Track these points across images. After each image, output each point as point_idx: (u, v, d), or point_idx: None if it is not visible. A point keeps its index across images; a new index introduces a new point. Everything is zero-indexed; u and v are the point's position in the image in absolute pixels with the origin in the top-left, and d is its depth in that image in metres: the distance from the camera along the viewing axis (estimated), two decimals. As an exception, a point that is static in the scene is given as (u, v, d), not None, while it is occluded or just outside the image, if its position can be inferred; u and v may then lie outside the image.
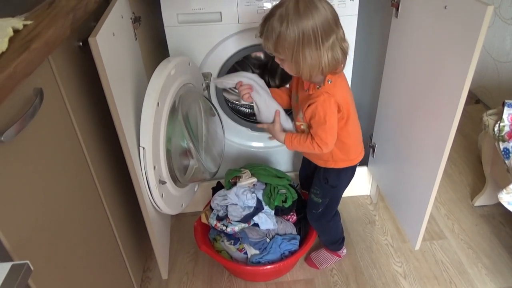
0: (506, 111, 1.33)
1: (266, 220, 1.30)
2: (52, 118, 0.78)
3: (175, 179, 1.17)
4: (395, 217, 1.60)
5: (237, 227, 1.29)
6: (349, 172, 1.23)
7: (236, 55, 1.36)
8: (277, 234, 1.33)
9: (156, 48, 1.40)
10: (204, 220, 1.38)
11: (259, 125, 1.22)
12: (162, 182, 1.08)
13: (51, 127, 0.77)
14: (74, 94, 0.88)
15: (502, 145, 1.32)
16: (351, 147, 1.17)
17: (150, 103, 0.99)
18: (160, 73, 1.03)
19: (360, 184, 1.69)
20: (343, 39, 0.99)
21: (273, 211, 1.33)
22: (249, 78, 1.13)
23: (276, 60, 1.04)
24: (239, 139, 1.58)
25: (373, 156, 1.54)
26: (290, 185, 1.39)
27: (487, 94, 2.23)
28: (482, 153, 1.59)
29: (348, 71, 1.41)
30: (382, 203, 1.69)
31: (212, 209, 1.37)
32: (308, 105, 1.04)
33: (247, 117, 1.58)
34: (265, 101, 1.14)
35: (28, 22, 0.73)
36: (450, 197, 1.70)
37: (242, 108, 1.62)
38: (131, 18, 1.10)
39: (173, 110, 1.11)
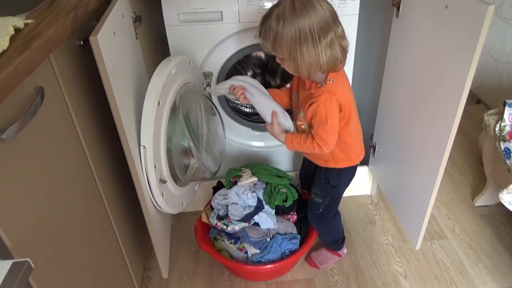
0: (507, 111, 1.33)
1: (267, 220, 1.30)
2: (53, 117, 0.78)
3: (175, 178, 1.17)
4: (396, 217, 1.60)
5: (237, 226, 1.29)
6: (349, 172, 1.23)
7: (236, 54, 1.36)
8: (278, 233, 1.33)
9: (157, 47, 1.40)
10: (204, 219, 1.38)
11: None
12: (163, 181, 1.08)
13: (52, 125, 0.77)
14: (75, 93, 0.88)
15: (503, 145, 1.32)
16: (352, 147, 1.17)
17: (151, 102, 0.99)
18: (161, 72, 1.03)
19: (361, 184, 1.69)
20: (342, 37, 0.98)
21: (274, 211, 1.33)
22: (241, 80, 1.13)
23: (277, 59, 1.04)
24: (240, 138, 1.58)
25: (373, 156, 1.54)
26: (290, 184, 1.39)
27: (488, 94, 2.23)
28: (483, 153, 1.59)
29: (349, 71, 1.41)
30: (383, 202, 1.69)
31: (212, 208, 1.37)
32: (310, 104, 1.04)
33: (248, 117, 1.58)
34: (259, 100, 1.12)
35: (29, 21, 0.73)
36: (450, 197, 1.69)
37: (243, 107, 1.62)
38: (132, 17, 1.10)
39: (174, 109, 1.11)
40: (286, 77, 1.71)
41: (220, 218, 1.33)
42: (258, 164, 1.43)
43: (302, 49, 0.95)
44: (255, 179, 1.35)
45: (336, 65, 1.00)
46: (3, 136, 0.58)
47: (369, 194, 1.73)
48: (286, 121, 1.15)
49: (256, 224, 1.31)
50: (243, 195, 1.29)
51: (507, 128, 1.33)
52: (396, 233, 1.55)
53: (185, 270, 1.43)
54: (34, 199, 0.69)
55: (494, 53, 2.12)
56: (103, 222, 1.01)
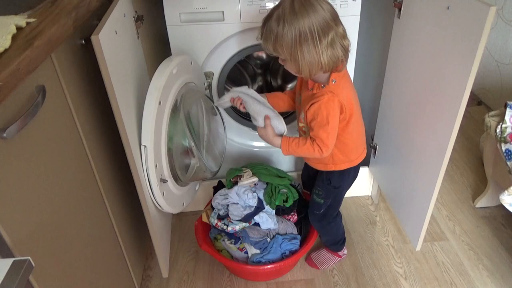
0: (508, 112, 1.33)
1: (267, 220, 1.30)
2: (54, 116, 0.78)
3: (176, 178, 1.17)
4: (396, 217, 1.60)
5: (238, 226, 1.29)
6: (352, 173, 1.23)
7: (238, 54, 1.36)
8: (278, 233, 1.33)
9: (158, 47, 1.40)
10: (205, 219, 1.38)
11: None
12: (164, 181, 1.08)
13: (53, 124, 0.77)
14: (76, 92, 0.88)
15: (504, 147, 1.32)
16: (352, 148, 1.17)
17: (152, 102, 0.99)
18: (162, 71, 1.04)
19: (361, 185, 1.69)
20: (343, 36, 0.99)
21: (274, 211, 1.33)
22: (238, 92, 1.17)
23: (280, 61, 1.05)
24: (241, 138, 1.58)
25: (374, 157, 1.54)
26: (291, 184, 1.40)
27: (489, 95, 2.23)
28: (483, 154, 1.59)
29: (350, 72, 1.41)
30: (383, 203, 1.69)
31: (213, 208, 1.37)
32: (311, 104, 1.04)
33: (249, 117, 1.57)
34: (254, 109, 1.15)
35: (31, 20, 0.73)
36: (451, 199, 1.69)
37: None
38: (133, 17, 1.10)
39: (175, 109, 1.11)
40: (287, 77, 1.71)
41: (220, 218, 1.33)
42: (258, 164, 1.43)
43: (302, 49, 0.95)
44: (255, 179, 1.35)
45: (337, 64, 1.00)
46: (5, 135, 0.58)
47: (369, 195, 1.73)
48: (280, 125, 1.14)
49: (257, 224, 1.31)
50: (244, 195, 1.30)
51: (508, 130, 1.33)
52: (396, 234, 1.55)
53: (185, 270, 1.43)
54: (35, 198, 0.69)
55: (495, 55, 2.11)
56: (103, 221, 1.01)
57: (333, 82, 1.03)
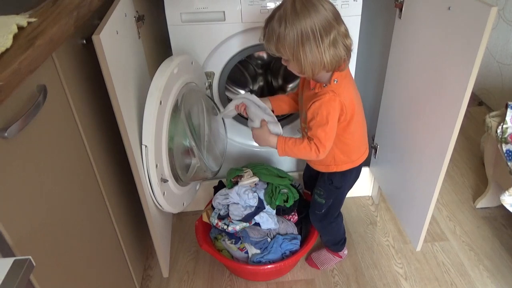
0: (509, 113, 1.33)
1: (268, 220, 1.30)
2: (55, 115, 0.78)
3: (177, 178, 1.17)
4: (397, 218, 1.60)
5: (238, 226, 1.29)
6: (353, 173, 1.23)
7: (239, 54, 1.36)
8: (278, 233, 1.33)
9: (159, 46, 1.40)
10: (205, 219, 1.38)
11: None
12: (164, 180, 1.08)
13: (54, 124, 0.77)
14: (77, 91, 0.88)
15: (505, 147, 1.32)
16: (354, 148, 1.17)
17: (152, 102, 0.99)
18: (163, 71, 1.04)
19: (362, 185, 1.69)
20: (345, 35, 0.99)
21: (275, 211, 1.33)
22: (241, 98, 1.20)
23: (283, 61, 1.05)
24: (241, 138, 1.58)
25: (375, 157, 1.54)
26: (291, 185, 1.40)
27: (490, 96, 2.23)
28: (484, 155, 1.59)
29: (351, 72, 1.41)
30: (384, 204, 1.69)
31: (213, 208, 1.37)
32: (312, 103, 1.04)
33: (250, 117, 1.58)
34: (254, 112, 1.18)
35: (33, 20, 0.73)
36: (452, 199, 1.69)
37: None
38: (134, 17, 1.10)
39: (176, 109, 1.11)
40: (288, 77, 1.71)
41: (221, 218, 1.33)
42: (259, 164, 1.43)
43: (305, 49, 0.95)
44: (256, 179, 1.35)
45: (340, 64, 1.00)
46: (6, 134, 0.58)
47: (370, 195, 1.73)
48: (276, 128, 1.16)
49: (257, 224, 1.31)
50: (244, 195, 1.30)
51: (509, 130, 1.33)
52: (397, 235, 1.55)
53: (185, 270, 1.43)
54: (36, 197, 0.69)
55: (496, 55, 2.11)
56: (104, 221, 1.01)
57: (335, 82, 1.03)
